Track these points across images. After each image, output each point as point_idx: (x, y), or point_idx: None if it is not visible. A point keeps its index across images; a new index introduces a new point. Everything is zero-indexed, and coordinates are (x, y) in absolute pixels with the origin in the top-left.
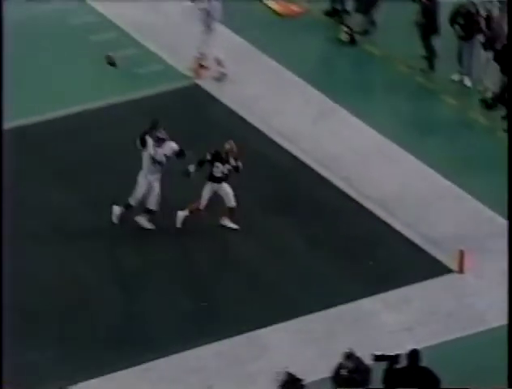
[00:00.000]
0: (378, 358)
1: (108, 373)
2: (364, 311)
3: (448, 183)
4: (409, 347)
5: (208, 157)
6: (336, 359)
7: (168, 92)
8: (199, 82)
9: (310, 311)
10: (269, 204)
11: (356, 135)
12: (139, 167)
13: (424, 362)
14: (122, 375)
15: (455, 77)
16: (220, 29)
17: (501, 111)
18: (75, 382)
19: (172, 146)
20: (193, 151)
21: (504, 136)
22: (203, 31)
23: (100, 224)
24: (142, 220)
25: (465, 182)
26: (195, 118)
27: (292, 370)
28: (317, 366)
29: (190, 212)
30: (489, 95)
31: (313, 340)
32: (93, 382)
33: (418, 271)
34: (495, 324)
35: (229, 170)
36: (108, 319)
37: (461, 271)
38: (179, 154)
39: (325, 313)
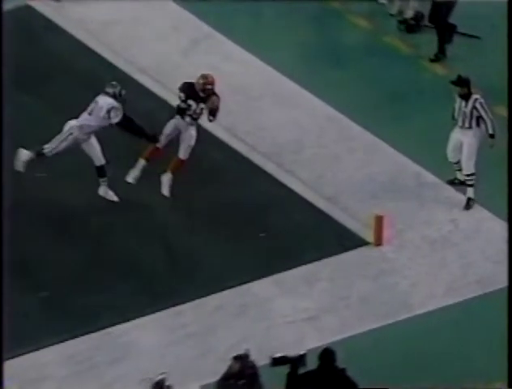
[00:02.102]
0: (278, 362)
1: None
2: (254, 297)
3: (359, 129)
4: (313, 341)
5: (182, 97)
6: (219, 359)
7: None
8: (32, 3)
9: (183, 301)
10: (130, 162)
11: (240, 70)
12: None
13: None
14: None
15: None
16: None
17: (427, 35)
18: None
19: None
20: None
21: (430, 66)
22: None
23: None
24: (108, 193)
25: (381, 128)
26: (28, 49)
27: (165, 376)
28: (195, 370)
29: (147, 159)
30: (410, 15)
31: (188, 337)
32: None
33: (323, 245)
34: (422, 310)
35: (202, 111)
36: None
37: (378, 242)
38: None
39: (203, 301)
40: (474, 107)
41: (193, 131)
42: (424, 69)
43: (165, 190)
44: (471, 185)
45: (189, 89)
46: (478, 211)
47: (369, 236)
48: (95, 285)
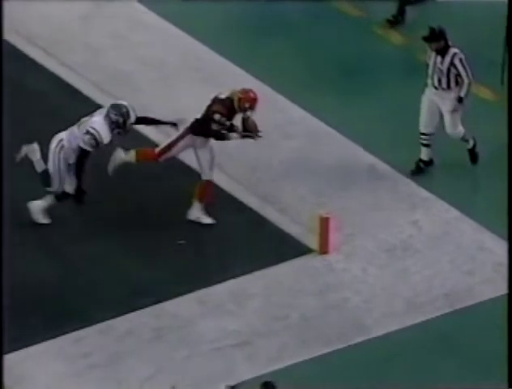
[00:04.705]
0: None
1: None
2: (172, 319)
3: (300, 112)
4: (245, 372)
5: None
6: None
7: None
8: None
9: (85, 324)
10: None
11: (152, 40)
12: None
13: None
14: None
15: None
16: None
17: None
18: None
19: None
20: None
21: (385, 35)
22: None
23: None
24: (40, 215)
25: (327, 111)
26: None
27: None
28: None
29: (138, 158)
30: None
31: (91, 369)
32: None
33: (257, 253)
34: (378, 332)
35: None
36: None
37: (324, 249)
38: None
39: (110, 325)
40: (452, 63)
41: (209, 143)
42: (379, 38)
43: (206, 220)
44: (466, 140)
45: (228, 110)
46: (444, 211)
47: (313, 242)
48: None
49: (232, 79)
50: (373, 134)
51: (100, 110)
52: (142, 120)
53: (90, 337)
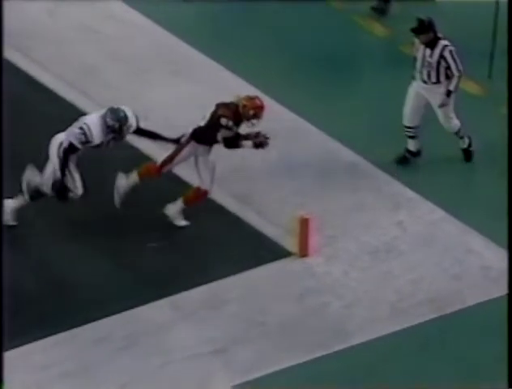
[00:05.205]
0: None
1: None
2: (145, 325)
3: (278, 107)
4: (222, 381)
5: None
6: None
7: None
8: None
9: (56, 331)
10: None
11: (125, 33)
12: None
13: None
14: None
15: None
16: None
17: None
18: None
19: None
20: None
21: (368, 26)
22: None
23: None
24: (9, 213)
25: (306, 106)
26: None
27: None
28: None
29: (141, 177)
30: None
31: (62, 377)
32: None
33: (234, 256)
34: (360, 339)
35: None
36: None
37: (303, 252)
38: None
39: (81, 331)
40: (441, 56)
41: (212, 161)
42: (361, 29)
43: (180, 222)
44: (461, 137)
45: (233, 114)
46: (430, 211)
47: (293, 244)
48: None
49: (210, 74)
50: (355, 131)
51: (100, 110)
52: (142, 132)
53: (60, 344)
